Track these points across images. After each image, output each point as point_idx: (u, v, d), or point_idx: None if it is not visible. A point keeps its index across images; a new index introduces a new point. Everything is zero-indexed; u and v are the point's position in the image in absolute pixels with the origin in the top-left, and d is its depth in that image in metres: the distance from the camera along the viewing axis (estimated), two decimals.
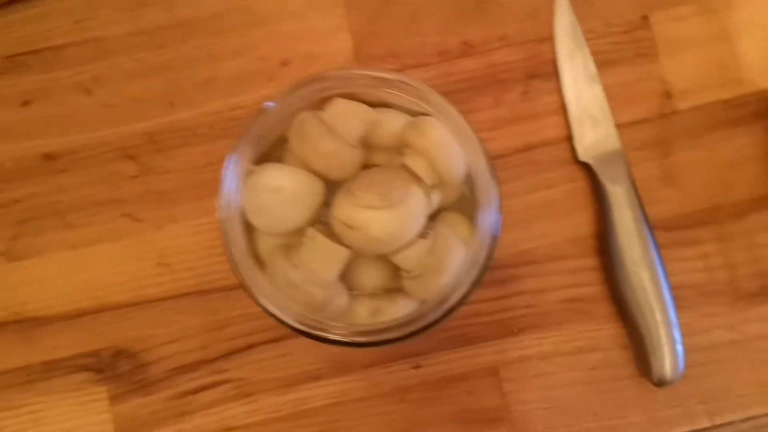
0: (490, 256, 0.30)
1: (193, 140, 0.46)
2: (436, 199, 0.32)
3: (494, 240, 0.31)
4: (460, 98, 0.47)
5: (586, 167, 0.46)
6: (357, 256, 0.32)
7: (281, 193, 0.31)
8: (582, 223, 0.46)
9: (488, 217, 0.30)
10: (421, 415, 0.44)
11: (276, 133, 0.33)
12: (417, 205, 0.31)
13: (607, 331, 0.45)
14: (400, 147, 0.33)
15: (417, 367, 0.44)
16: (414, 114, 0.34)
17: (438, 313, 0.30)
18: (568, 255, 0.45)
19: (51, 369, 0.44)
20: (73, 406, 0.44)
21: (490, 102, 0.47)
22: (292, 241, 0.32)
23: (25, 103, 0.46)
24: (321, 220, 0.32)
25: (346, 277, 0.32)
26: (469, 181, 0.33)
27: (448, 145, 0.32)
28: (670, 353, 0.42)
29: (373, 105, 0.33)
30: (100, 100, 0.46)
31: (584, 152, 0.45)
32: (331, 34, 0.47)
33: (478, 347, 0.45)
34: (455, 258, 0.31)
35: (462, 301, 0.30)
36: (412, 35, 0.47)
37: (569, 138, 0.46)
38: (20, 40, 0.47)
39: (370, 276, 0.32)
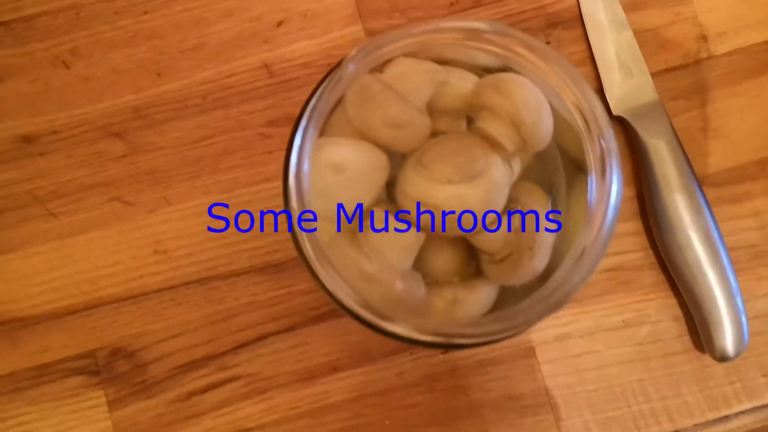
0: (609, 237, 0.25)
1: (185, 113, 0.40)
2: (518, 167, 0.27)
3: (616, 215, 0.25)
4: None
5: (621, 121, 0.40)
6: (429, 239, 0.26)
7: (345, 170, 0.25)
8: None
9: (611, 185, 0.24)
10: (453, 405, 0.38)
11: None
12: (500, 176, 0.25)
13: (654, 302, 0.39)
14: (469, 110, 0.27)
15: (445, 352, 0.39)
16: (480, 72, 0.28)
17: (546, 305, 0.24)
18: None
19: (41, 374, 0.38)
20: (68, 414, 0.38)
21: None
22: (355, 225, 0.26)
23: None
24: (384, 200, 0.27)
25: (416, 263, 0.27)
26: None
27: (535, 103, 0.26)
28: (732, 325, 0.36)
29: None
30: (79, 74, 0.40)
31: (618, 105, 0.40)
32: None
33: None
34: (548, 236, 0.25)
35: (572, 291, 0.24)
36: None
37: (600, 91, 0.40)
38: None
39: (444, 261, 0.27)
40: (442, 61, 0.28)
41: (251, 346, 0.38)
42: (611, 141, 0.24)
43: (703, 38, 0.41)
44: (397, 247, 0.25)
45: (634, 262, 0.39)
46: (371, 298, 0.24)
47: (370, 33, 0.41)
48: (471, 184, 0.24)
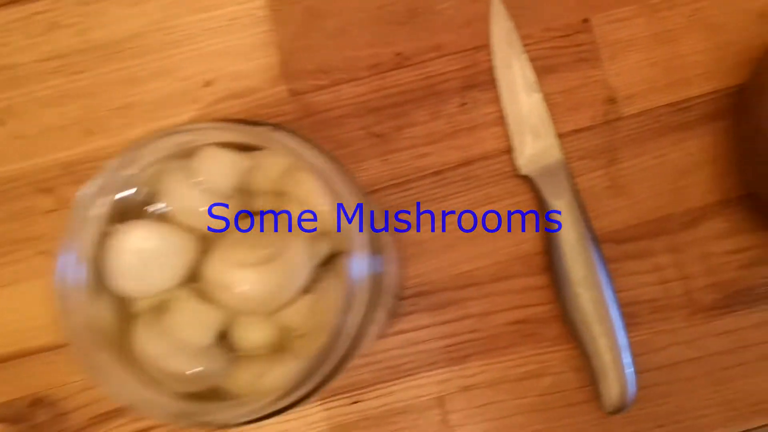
0: (374, 303, 0.26)
1: None
2: (324, 247, 0.28)
3: (377, 284, 0.26)
4: (395, 113, 0.42)
5: (528, 181, 0.41)
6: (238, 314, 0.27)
7: (146, 252, 0.27)
8: (527, 239, 0.41)
9: (355, 261, 0.25)
10: None
11: (143, 185, 0.28)
12: (299, 257, 0.26)
13: (557, 354, 0.41)
14: (282, 192, 0.28)
15: (356, 402, 0.40)
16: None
17: (324, 371, 0.25)
18: (514, 274, 0.41)
19: None
20: None
21: (426, 115, 0.42)
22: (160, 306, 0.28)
23: None
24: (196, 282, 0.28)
25: (228, 337, 0.28)
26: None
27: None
28: (618, 378, 0.37)
29: (253, 147, 0.29)
30: (12, 132, 0.42)
31: (525, 165, 0.41)
32: (256, 50, 0.43)
33: (420, 377, 0.40)
34: None
35: (350, 353, 0.26)
36: (343, 48, 0.43)
37: (510, 150, 0.42)
38: None
39: (253, 335, 0.28)
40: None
41: None
42: (356, 241, 0.25)
43: (612, 100, 0.43)
44: (197, 325, 0.26)
45: (539, 315, 0.41)
46: (164, 379, 0.26)
47: (294, 93, 0.42)
48: (265, 267, 0.25)
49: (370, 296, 0.26)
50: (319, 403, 0.40)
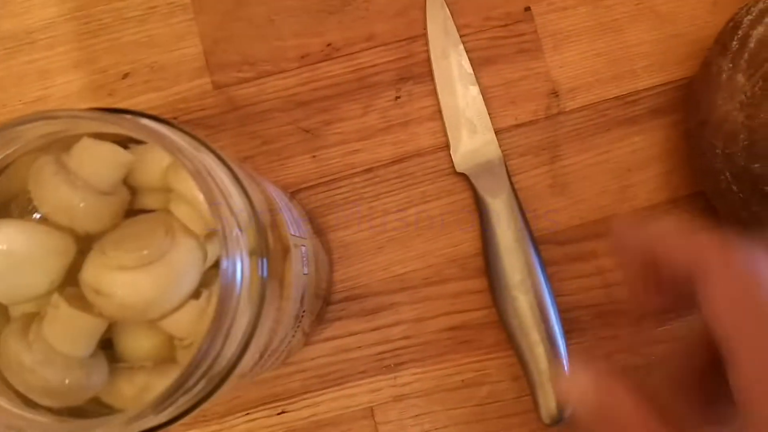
0: (261, 310, 0.23)
1: None
2: (214, 249, 0.25)
3: (263, 289, 0.23)
4: (324, 107, 0.40)
5: (465, 178, 0.39)
6: (121, 323, 0.25)
7: (13, 255, 0.24)
8: (464, 240, 0.39)
9: (230, 264, 0.22)
10: None
11: (12, 182, 0.26)
12: (184, 260, 0.24)
13: (495, 362, 0.38)
14: (168, 189, 0.26)
15: (282, 412, 0.38)
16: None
17: (207, 386, 0.23)
18: (449, 278, 0.39)
19: None
20: None
21: (358, 109, 0.40)
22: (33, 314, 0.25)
23: None
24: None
25: (113, 346, 0.25)
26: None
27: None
28: (550, 395, 0.35)
29: (138, 141, 0.26)
30: None
31: (461, 162, 0.39)
32: (178, 41, 0.40)
33: (350, 387, 0.38)
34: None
35: (232, 369, 0.23)
36: (270, 39, 0.40)
37: (447, 147, 0.40)
38: None
39: (137, 345, 0.25)
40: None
41: None
42: (231, 242, 0.22)
43: (555, 94, 0.40)
44: (73, 334, 0.23)
45: (476, 320, 0.38)
46: (33, 393, 0.23)
47: (218, 86, 0.40)
48: (145, 270, 0.23)
49: (259, 301, 0.23)
50: (243, 413, 0.37)
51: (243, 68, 0.40)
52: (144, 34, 0.40)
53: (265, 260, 0.23)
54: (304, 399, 0.38)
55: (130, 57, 0.40)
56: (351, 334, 0.38)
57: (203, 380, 0.22)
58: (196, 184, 0.21)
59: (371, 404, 0.38)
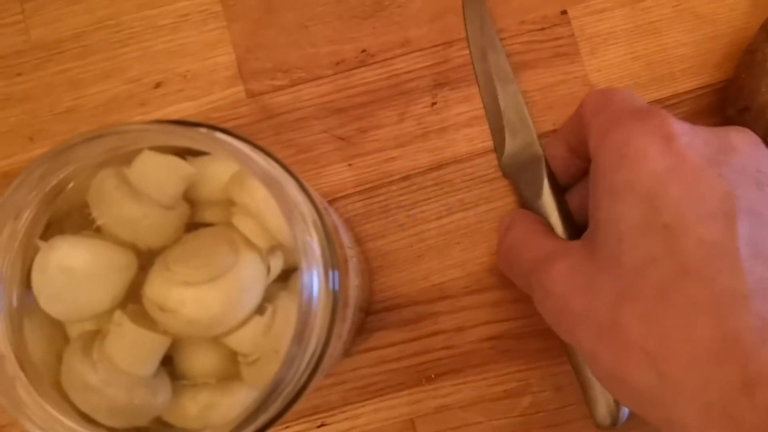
0: (333, 323, 0.23)
1: None
2: (278, 263, 0.25)
3: (336, 301, 0.23)
4: (359, 114, 0.39)
5: (504, 185, 0.38)
6: (184, 339, 0.24)
7: (76, 272, 0.23)
8: None
9: (309, 278, 0.22)
10: None
11: (72, 197, 0.25)
12: (248, 275, 0.23)
13: (537, 371, 0.38)
14: (231, 203, 0.25)
15: (321, 425, 0.37)
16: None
17: (278, 405, 0.22)
18: (489, 286, 0.38)
19: None
20: None
21: (394, 116, 0.39)
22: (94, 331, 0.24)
23: None
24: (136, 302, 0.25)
25: (174, 364, 0.25)
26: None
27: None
28: (607, 395, 0.34)
29: (197, 153, 0.25)
30: None
31: (505, 163, 0.38)
32: (210, 49, 0.40)
33: (390, 398, 0.37)
34: None
35: (305, 386, 0.22)
36: (303, 46, 0.40)
37: (486, 152, 0.39)
38: None
39: (200, 362, 0.24)
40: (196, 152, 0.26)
41: None
42: (310, 255, 0.22)
43: None
44: (137, 352, 0.23)
45: (517, 329, 0.38)
46: (98, 413, 0.22)
47: (251, 94, 0.39)
48: (211, 286, 0.22)
49: (331, 316, 0.23)
50: (282, 426, 0.37)
51: (277, 76, 0.39)
52: (176, 42, 0.39)
53: (336, 272, 0.22)
54: (344, 411, 0.37)
55: (162, 66, 0.39)
56: (390, 345, 0.37)
57: (279, 399, 0.21)
58: (272, 195, 0.21)
59: (412, 416, 0.37)
